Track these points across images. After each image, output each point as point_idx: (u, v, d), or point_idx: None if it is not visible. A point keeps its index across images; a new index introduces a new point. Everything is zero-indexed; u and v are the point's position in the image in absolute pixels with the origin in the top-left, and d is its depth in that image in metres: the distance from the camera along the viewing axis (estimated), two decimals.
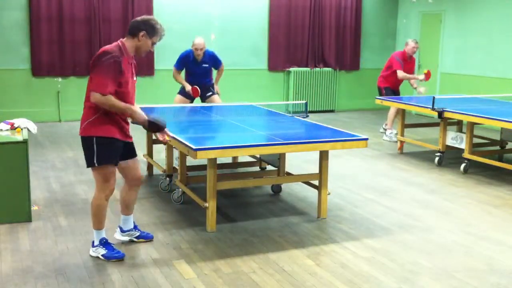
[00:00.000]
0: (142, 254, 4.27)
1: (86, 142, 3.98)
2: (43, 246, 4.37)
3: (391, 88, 9.06)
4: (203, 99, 7.59)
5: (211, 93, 7.56)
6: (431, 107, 7.19)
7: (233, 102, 9.41)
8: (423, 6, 12.13)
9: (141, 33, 3.97)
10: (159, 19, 4.19)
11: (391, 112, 9.05)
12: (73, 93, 10.33)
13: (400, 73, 8.83)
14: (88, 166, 4.06)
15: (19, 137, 4.93)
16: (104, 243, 4.18)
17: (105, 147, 3.96)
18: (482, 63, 10.76)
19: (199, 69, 7.39)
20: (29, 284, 3.73)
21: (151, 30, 4.01)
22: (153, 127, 4.08)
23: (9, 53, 9.85)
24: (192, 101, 7.57)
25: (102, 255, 4.15)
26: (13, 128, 5.16)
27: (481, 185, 6.45)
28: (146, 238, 4.53)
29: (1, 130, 5.13)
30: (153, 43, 4.06)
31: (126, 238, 4.48)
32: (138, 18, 4.05)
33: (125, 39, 4.04)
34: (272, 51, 11.85)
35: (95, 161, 3.97)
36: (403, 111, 8.17)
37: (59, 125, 9.97)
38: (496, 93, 9.33)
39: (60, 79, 10.24)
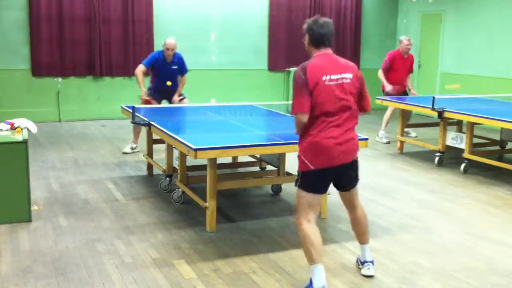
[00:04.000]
0: (142, 254, 4.27)
1: (357, 161, 3.81)
2: (43, 246, 4.37)
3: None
4: (170, 101, 7.54)
5: (182, 97, 7.56)
6: (431, 107, 7.19)
7: (233, 102, 9.42)
8: (423, 6, 12.13)
9: None
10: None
11: (387, 113, 9.08)
12: (73, 93, 10.34)
13: (379, 72, 8.97)
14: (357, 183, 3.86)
15: (19, 137, 4.92)
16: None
17: None
18: (482, 63, 10.75)
19: (167, 70, 7.36)
20: (29, 284, 3.73)
21: None
22: None
23: (9, 53, 9.85)
24: (158, 103, 7.46)
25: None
26: (13, 128, 5.16)
27: (481, 185, 6.45)
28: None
29: (1, 130, 5.13)
30: None
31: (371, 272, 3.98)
32: (323, 26, 3.66)
33: (329, 51, 3.77)
34: (272, 51, 11.85)
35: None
36: (403, 111, 8.14)
37: (59, 125, 9.97)
38: (496, 93, 9.32)
39: (60, 79, 10.23)
